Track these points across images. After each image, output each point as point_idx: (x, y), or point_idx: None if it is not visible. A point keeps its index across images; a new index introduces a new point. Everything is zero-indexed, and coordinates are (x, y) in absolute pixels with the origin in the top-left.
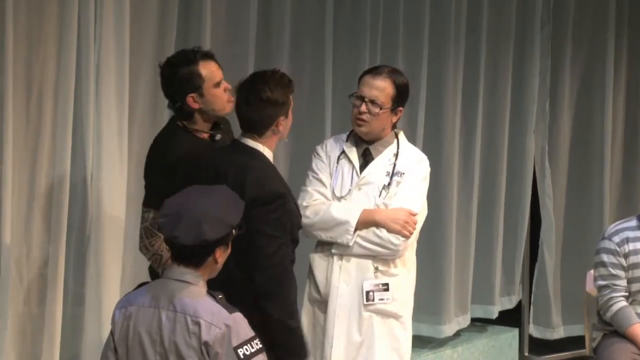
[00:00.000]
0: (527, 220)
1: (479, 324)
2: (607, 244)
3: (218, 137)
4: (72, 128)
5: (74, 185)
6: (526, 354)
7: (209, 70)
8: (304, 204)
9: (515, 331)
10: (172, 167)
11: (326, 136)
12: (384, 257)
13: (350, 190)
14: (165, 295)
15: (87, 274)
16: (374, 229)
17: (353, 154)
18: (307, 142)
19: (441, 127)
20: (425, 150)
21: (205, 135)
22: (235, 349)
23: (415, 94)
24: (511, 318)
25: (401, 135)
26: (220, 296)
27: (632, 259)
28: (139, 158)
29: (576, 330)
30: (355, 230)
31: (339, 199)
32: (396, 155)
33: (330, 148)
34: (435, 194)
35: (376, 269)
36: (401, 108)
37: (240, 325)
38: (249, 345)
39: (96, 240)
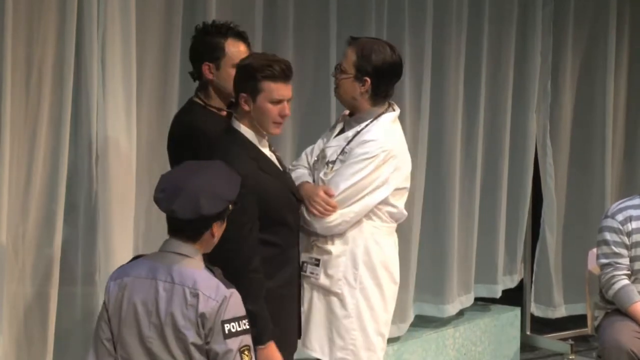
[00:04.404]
0: (529, 199)
1: (481, 303)
2: (610, 222)
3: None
4: (78, 109)
5: (81, 166)
6: (528, 332)
7: (235, 48)
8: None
9: (517, 310)
10: (198, 139)
11: (331, 117)
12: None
13: (316, 160)
14: (163, 267)
15: (96, 254)
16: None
17: (338, 126)
18: (312, 124)
19: (444, 106)
20: (429, 129)
21: (224, 114)
22: (223, 322)
23: (419, 74)
24: (513, 297)
25: (387, 115)
26: (218, 271)
27: (635, 237)
28: (148, 136)
29: (578, 309)
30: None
31: (311, 167)
32: (358, 133)
33: (339, 118)
34: (438, 174)
35: (313, 242)
36: (367, 78)
37: (234, 301)
38: (236, 323)
39: (104, 221)
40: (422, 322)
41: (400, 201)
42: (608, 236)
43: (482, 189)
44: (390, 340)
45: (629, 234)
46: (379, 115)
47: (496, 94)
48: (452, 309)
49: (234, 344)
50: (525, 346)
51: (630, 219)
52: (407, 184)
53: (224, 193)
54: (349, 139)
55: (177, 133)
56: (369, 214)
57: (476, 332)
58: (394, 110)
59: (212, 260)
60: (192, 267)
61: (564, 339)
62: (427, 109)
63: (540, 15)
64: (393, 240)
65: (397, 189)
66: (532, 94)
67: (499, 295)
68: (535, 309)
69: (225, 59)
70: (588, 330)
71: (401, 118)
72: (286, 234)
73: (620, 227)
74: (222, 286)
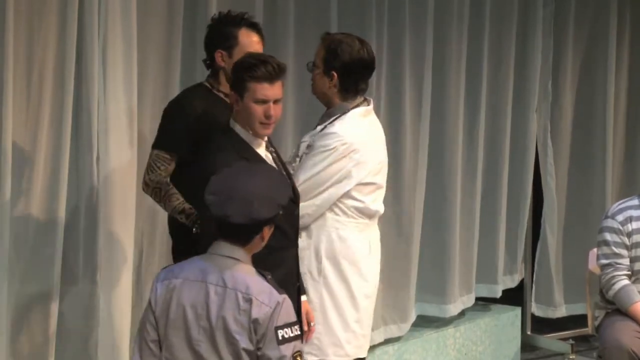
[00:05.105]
0: (530, 199)
1: (482, 302)
2: (610, 222)
3: None
4: (79, 109)
5: (82, 166)
6: (529, 332)
7: (247, 38)
8: None
9: (518, 310)
10: (184, 112)
11: None
12: None
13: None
14: (214, 270)
15: (97, 254)
16: None
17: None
18: (312, 124)
19: (445, 106)
20: (430, 130)
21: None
22: (277, 329)
23: (419, 74)
24: (514, 297)
25: (356, 110)
26: (269, 276)
27: (635, 238)
28: (149, 136)
29: (578, 308)
30: None
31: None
32: (325, 127)
33: None
34: (439, 174)
35: None
36: (334, 73)
37: (287, 307)
38: (289, 328)
39: (106, 221)
40: (423, 322)
41: (368, 197)
42: (608, 237)
43: (483, 189)
44: (391, 340)
45: (629, 235)
46: (349, 110)
47: (497, 94)
48: (454, 309)
49: (287, 349)
50: (526, 346)
51: (630, 219)
52: (375, 180)
53: (277, 197)
54: (317, 133)
55: (167, 106)
56: (333, 208)
57: (477, 332)
58: (368, 105)
59: (189, 250)
60: (244, 271)
61: (565, 339)
62: (427, 109)
63: (541, 15)
64: (365, 237)
65: (362, 184)
66: (532, 94)
67: (499, 295)
68: (535, 309)
69: (238, 48)
70: (588, 330)
71: (401, 118)
72: (275, 235)
73: (621, 228)
74: (274, 292)
